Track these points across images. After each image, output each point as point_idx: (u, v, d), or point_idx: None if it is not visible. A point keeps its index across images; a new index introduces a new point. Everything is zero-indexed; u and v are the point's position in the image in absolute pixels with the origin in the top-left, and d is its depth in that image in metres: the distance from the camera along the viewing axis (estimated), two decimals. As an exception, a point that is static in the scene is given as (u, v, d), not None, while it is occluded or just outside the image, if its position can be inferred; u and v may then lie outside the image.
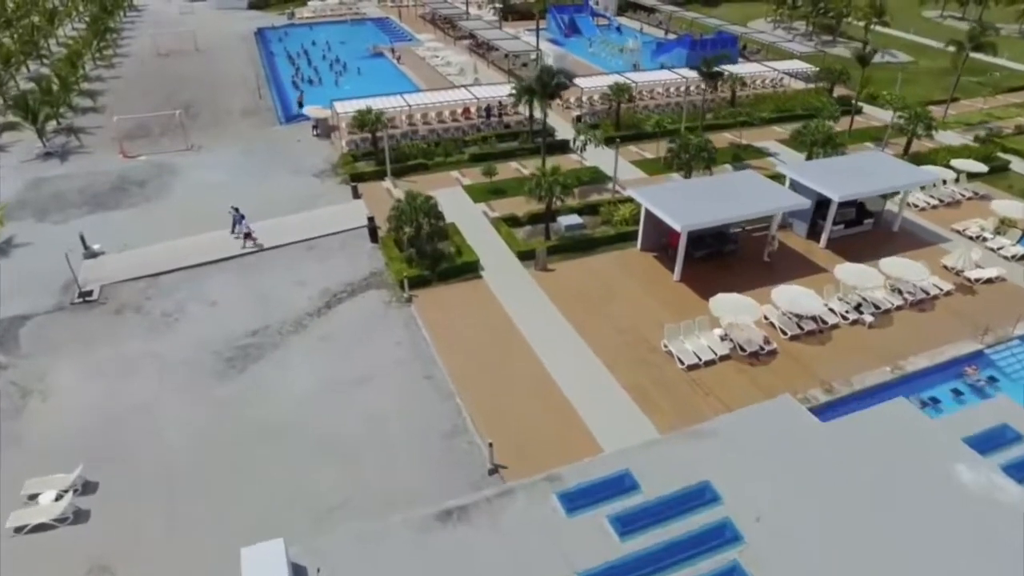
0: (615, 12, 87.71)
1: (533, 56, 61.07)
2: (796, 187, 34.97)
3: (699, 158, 35.35)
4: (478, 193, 38.93)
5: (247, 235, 34.10)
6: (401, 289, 30.25)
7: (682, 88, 54.52)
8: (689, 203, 31.36)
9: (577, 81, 50.40)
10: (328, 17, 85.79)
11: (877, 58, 70.23)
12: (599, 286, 31.42)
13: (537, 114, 42.74)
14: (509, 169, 42.18)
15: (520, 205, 37.46)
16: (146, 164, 44.73)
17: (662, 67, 64.65)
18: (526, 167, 42.71)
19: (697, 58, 62.26)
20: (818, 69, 57.46)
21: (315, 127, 47.93)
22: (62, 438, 23.05)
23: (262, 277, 32.13)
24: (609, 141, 41.96)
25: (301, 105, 52.04)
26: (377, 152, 41.66)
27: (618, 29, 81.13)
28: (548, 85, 37.47)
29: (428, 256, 31.24)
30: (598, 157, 42.53)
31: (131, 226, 36.68)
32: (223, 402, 24.79)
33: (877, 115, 53.90)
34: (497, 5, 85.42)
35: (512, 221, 35.69)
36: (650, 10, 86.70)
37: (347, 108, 44.13)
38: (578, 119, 48.48)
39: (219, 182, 41.54)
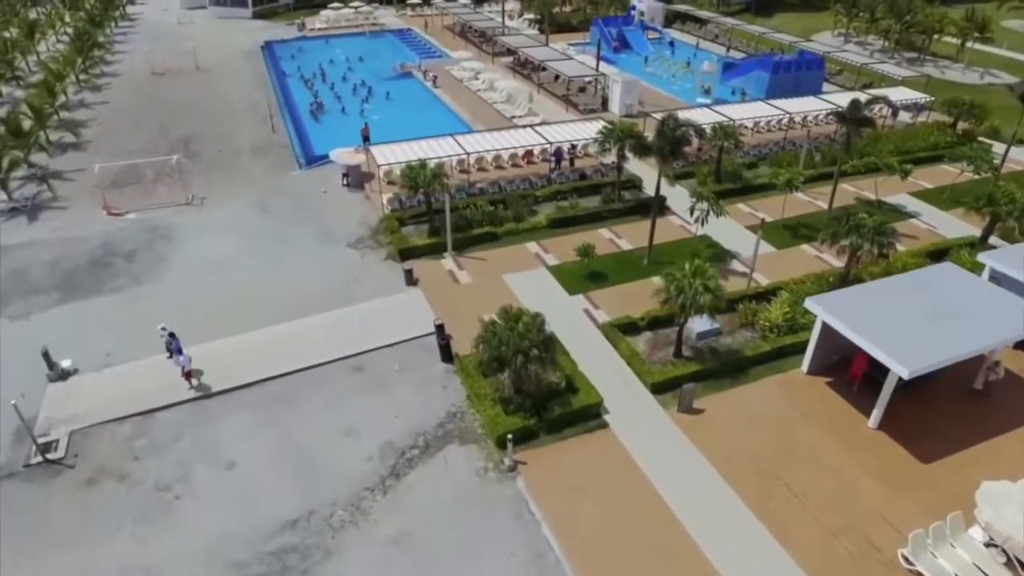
0: (662, 24, 78.70)
1: (588, 79, 52.02)
2: (1000, 279, 26.16)
3: (875, 242, 26.36)
4: (572, 279, 29.84)
5: (187, 375, 23.97)
6: (499, 448, 21.22)
7: (782, 122, 45.60)
8: (899, 326, 22.33)
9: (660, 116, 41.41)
10: (343, 28, 76.58)
11: (975, 79, 61.77)
12: (770, 437, 22.43)
13: (634, 170, 33.83)
14: (599, 240, 33.10)
15: (628, 297, 28.52)
16: (136, 225, 35.52)
17: (733, 92, 56.07)
18: (620, 235, 33.67)
19: (782, 84, 53.81)
20: (931, 98, 48.52)
21: (345, 175, 38.79)
22: None
23: (296, 419, 23.01)
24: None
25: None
26: (430, 214, 32.54)
27: (671, 44, 72.15)
28: (673, 141, 28.34)
29: (532, 395, 22.19)
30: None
31: (114, 323, 27.61)
32: None
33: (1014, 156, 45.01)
34: (532, 16, 76.62)
35: (628, 326, 26.64)
36: (701, 22, 77.77)
37: (387, 156, 34.99)
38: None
39: (227, 254, 32.40)
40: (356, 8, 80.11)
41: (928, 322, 22.29)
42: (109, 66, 63.75)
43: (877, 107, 39.18)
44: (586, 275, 30.11)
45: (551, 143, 37.23)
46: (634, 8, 78.71)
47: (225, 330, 26.70)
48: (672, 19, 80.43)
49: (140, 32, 78.23)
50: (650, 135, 37.55)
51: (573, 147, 39.45)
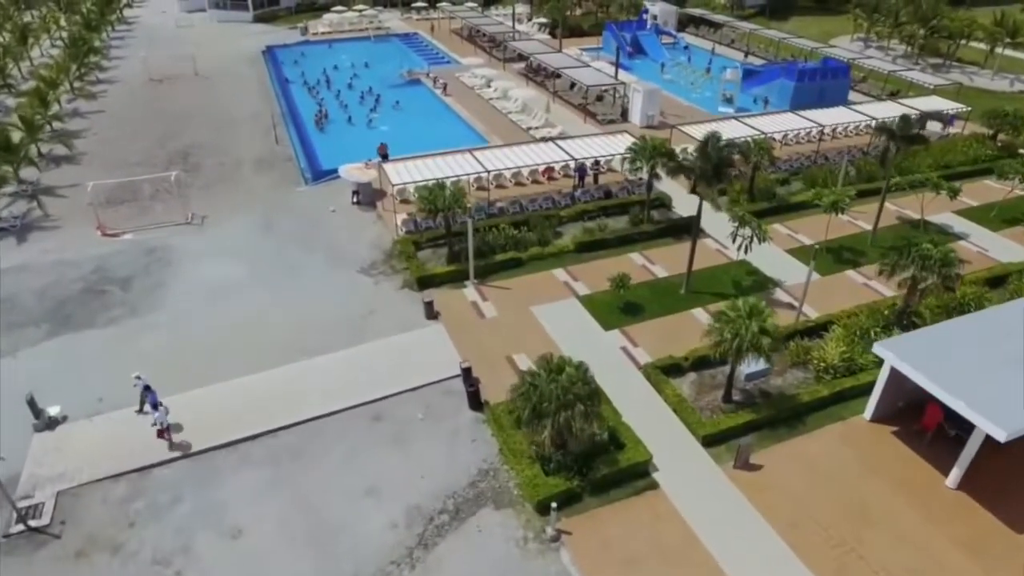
0: (675, 28, 76.43)
1: (606, 88, 49.67)
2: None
3: (940, 275, 24.06)
4: (605, 311, 27.50)
5: (161, 432, 21.36)
6: (540, 514, 18.91)
7: (810, 133, 43.39)
8: (985, 375, 20.00)
9: (690, 130, 39.21)
10: (347, 33, 74.15)
11: (1004, 85, 59.56)
12: (836, 497, 20.15)
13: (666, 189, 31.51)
14: (631, 266, 30.80)
15: (668, 333, 26.25)
16: (132, 247, 33.18)
17: (755, 101, 53.83)
18: (653, 260, 31.36)
19: (807, 93, 51.56)
20: (968, 108, 46.27)
21: (355, 193, 36.43)
22: None
23: (310, 477, 20.66)
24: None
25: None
26: (449, 238, 30.21)
27: (686, 49, 69.87)
28: (716, 163, 26.00)
29: (574, 452, 19.86)
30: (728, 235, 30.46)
31: (108, 361, 25.22)
32: None
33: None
34: (543, 20, 74.32)
35: (671, 367, 24.32)
36: (715, 26, 75.47)
37: (401, 174, 32.64)
38: (693, 187, 37.00)
39: (230, 281, 30.07)
40: (360, 11, 77.73)
41: (1018, 370, 19.99)
42: (105, 72, 61.32)
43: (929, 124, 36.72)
44: (621, 307, 27.79)
45: (575, 159, 34.82)
46: (646, 12, 76.53)
47: (229, 371, 24.36)
48: (685, 23, 78.15)
49: (138, 36, 75.78)
50: (678, 147, 35.48)
51: (597, 163, 37.12)
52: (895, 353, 20.91)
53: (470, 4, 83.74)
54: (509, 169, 34.14)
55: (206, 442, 21.52)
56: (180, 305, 28.63)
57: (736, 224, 28.39)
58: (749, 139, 36.31)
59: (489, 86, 53.29)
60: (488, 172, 32.75)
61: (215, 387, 23.62)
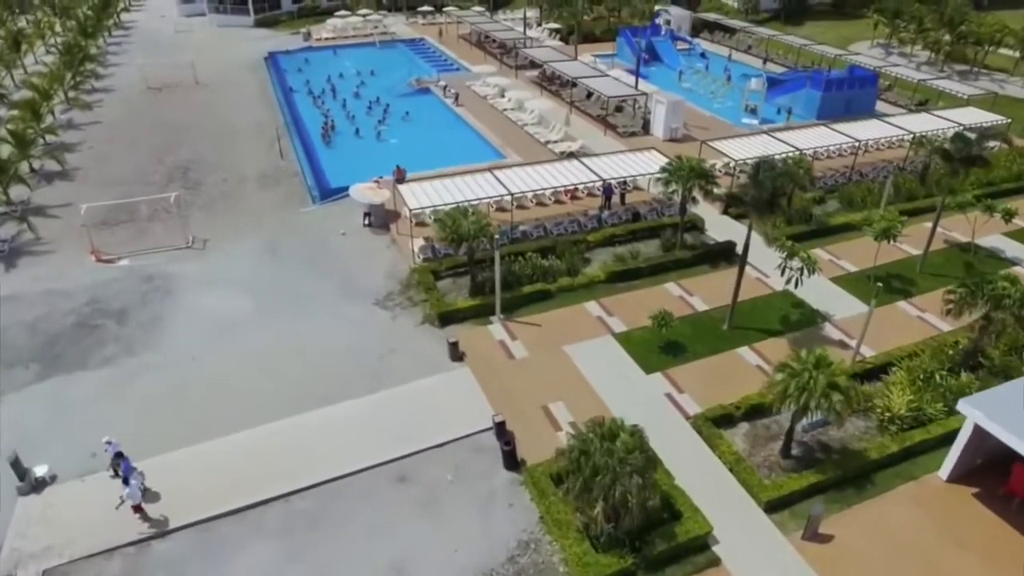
0: (689, 34, 74.31)
1: (626, 99, 47.35)
2: None
3: (1018, 318, 21.89)
4: (645, 351, 25.26)
5: (136, 508, 18.79)
6: (590, 601, 16.68)
7: (842, 147, 41.22)
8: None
9: (720, 145, 37.02)
10: (352, 38, 71.93)
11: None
12: (918, 573, 17.93)
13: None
14: (667, 297, 28.62)
15: (714, 375, 24.07)
16: (128, 274, 30.94)
17: (778, 111, 51.67)
18: (690, 291, 29.13)
19: (834, 103, 49.43)
20: (1007, 120, 44.05)
21: (367, 214, 34.18)
22: None
23: (329, 550, 18.41)
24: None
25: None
26: (472, 268, 27.97)
27: (703, 55, 67.68)
28: (770, 192, 23.73)
29: (627, 526, 17.61)
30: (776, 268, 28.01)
31: (102, 409, 23.04)
32: None
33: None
34: (554, 26, 72.15)
35: (722, 418, 22.12)
36: (730, 31, 73.28)
37: (418, 197, 30.36)
38: (726, 208, 34.89)
39: (234, 314, 27.83)
40: (364, 16, 75.51)
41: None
42: (101, 80, 59.09)
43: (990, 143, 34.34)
44: (661, 346, 25.55)
45: (604, 180, 32.56)
46: (659, 16, 74.42)
47: (234, 422, 22.11)
48: (699, 28, 76.00)
49: (135, 42, 73.58)
50: (709, 164, 33.29)
51: (624, 182, 34.90)
52: (984, 412, 18.71)
53: (477, 9, 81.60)
54: (534, 191, 31.79)
55: (211, 509, 19.27)
56: (180, 343, 26.36)
57: (783, 254, 26.17)
58: (787, 156, 34.13)
59: (503, 96, 51.05)
60: (512, 195, 30.48)
61: (219, 442, 21.37)
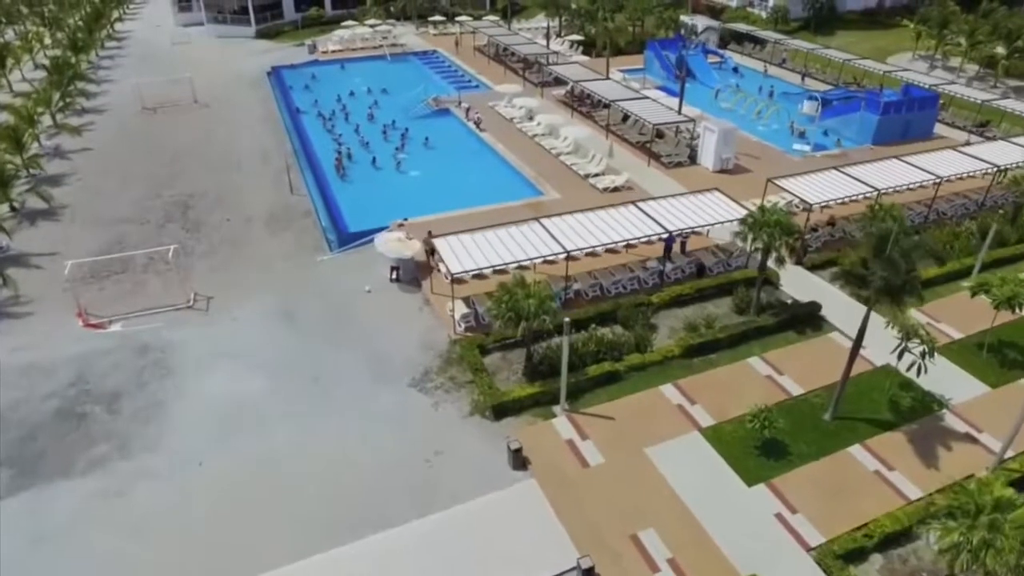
0: (716, 46, 70.18)
1: (669, 124, 42.97)
2: None
3: None
4: (740, 453, 21.03)
5: None
6: None
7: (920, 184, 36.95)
8: None
9: (789, 185, 32.85)
10: (360, 51, 67.56)
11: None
12: None
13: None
14: (753, 377, 24.43)
15: (827, 485, 19.92)
16: (121, 343, 26.65)
17: (825, 133, 47.59)
18: (779, 367, 24.90)
19: (891, 127, 45.41)
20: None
21: (394, 268, 29.93)
22: None
23: None
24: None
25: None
26: (528, 349, 23.65)
27: (735, 70, 63.57)
28: (908, 273, 19.55)
29: None
30: (875, 329, 22.61)
31: (88, 534, 18.86)
32: None
33: None
34: (576, 38, 67.94)
35: (854, 551, 17.93)
36: (759, 42, 69.11)
37: (459, 257, 25.85)
38: (800, 258, 30.71)
39: (247, 400, 23.59)
40: (373, 27, 71.16)
41: None
42: (93, 99, 54.64)
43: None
44: (758, 445, 21.36)
45: (670, 233, 28.27)
46: (685, 27, 70.18)
47: (251, 562, 17.81)
48: (727, 39, 71.84)
49: (129, 54, 69.11)
50: (769, 200, 29.18)
51: (685, 233, 30.51)
52: None
53: (491, 18, 77.35)
54: (592, 248, 27.43)
55: None
56: (183, 441, 22.08)
57: (901, 334, 21.92)
58: (874, 199, 30.04)
59: (531, 119, 46.78)
60: (567, 252, 26.21)
61: (237, 591, 17.12)
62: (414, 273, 29.84)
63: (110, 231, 35.08)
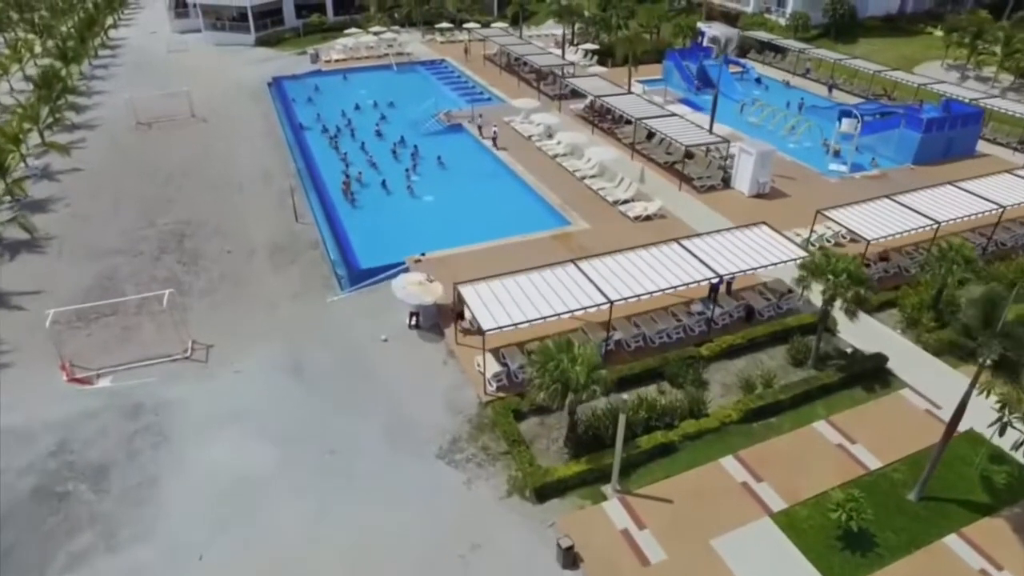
0: (736, 54, 67.36)
1: (702, 145, 40.05)
2: None
3: None
4: (821, 545, 18.22)
5: None
6: None
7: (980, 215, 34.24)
8: None
9: (840, 218, 30.14)
10: (365, 60, 64.70)
11: None
12: None
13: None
14: (821, 444, 21.65)
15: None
16: (110, 402, 23.84)
17: (857, 150, 44.74)
18: (851, 435, 22.10)
19: (933, 145, 42.77)
20: None
21: (413, 314, 27.07)
22: None
23: None
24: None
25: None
26: (571, 418, 20.81)
27: (758, 81, 60.86)
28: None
29: None
30: (950, 386, 20.37)
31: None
32: None
33: None
34: (590, 47, 65.14)
35: None
36: (780, 51, 66.33)
37: (491, 309, 22.93)
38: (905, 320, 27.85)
39: (253, 475, 20.86)
40: (378, 34, 68.30)
41: None
42: (83, 113, 51.77)
43: None
44: (839, 535, 18.57)
45: (720, 276, 25.48)
46: (703, 35, 67.51)
47: None
48: (746, 48, 69.04)
49: (124, 63, 66.22)
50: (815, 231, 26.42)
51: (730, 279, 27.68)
52: None
53: (500, 25, 74.52)
54: (638, 296, 24.45)
55: None
56: (181, 527, 19.28)
57: (1001, 406, 19.13)
58: (934, 232, 27.33)
59: (551, 138, 43.95)
60: (611, 302, 23.38)
61: None
62: (435, 319, 27.03)
63: (100, 264, 32.28)
